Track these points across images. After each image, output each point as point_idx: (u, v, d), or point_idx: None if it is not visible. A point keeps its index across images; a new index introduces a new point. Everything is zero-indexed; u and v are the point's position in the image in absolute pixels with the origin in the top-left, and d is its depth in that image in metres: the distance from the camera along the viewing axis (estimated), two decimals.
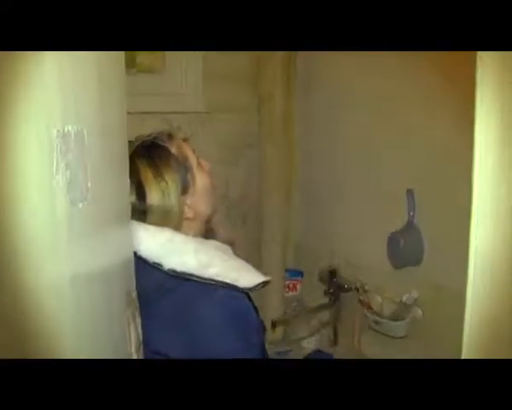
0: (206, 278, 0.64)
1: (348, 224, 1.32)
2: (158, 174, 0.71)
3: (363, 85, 1.21)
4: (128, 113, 0.51)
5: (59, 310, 0.37)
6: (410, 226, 1.11)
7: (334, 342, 1.33)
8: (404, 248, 1.10)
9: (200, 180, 0.75)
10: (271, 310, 1.37)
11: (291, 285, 1.46)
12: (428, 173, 1.08)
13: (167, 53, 1.26)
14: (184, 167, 0.73)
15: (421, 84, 1.05)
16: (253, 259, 1.38)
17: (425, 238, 1.09)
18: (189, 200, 0.73)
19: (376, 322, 1.17)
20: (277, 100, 1.38)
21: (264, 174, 1.42)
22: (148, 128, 0.77)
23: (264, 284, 0.68)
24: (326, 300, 1.31)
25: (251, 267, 0.71)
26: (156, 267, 0.65)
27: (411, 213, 1.11)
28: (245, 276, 0.67)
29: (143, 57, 1.25)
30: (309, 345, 1.35)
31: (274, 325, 1.24)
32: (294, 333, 1.38)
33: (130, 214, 0.55)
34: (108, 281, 0.45)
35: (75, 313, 0.38)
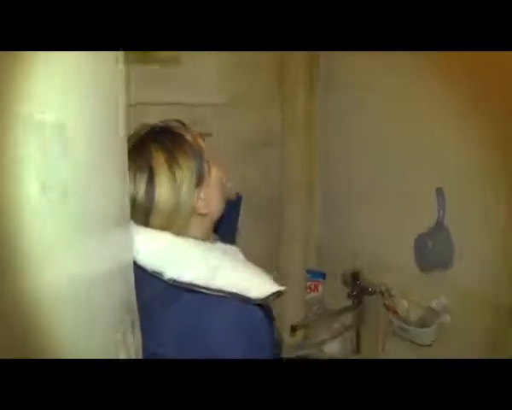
0: (213, 289, 0.58)
1: (371, 225, 1.27)
2: (171, 159, 0.64)
3: (384, 85, 1.17)
4: (139, 104, 0.50)
5: (58, 311, 0.37)
6: (439, 227, 1.06)
7: (357, 346, 1.28)
8: (433, 250, 1.04)
9: (214, 173, 0.69)
10: (292, 312, 1.35)
11: (312, 286, 1.43)
12: (452, 173, 1.02)
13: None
14: (200, 157, 0.67)
15: (444, 84, 1.00)
16: (273, 258, 1.37)
17: (455, 240, 1.04)
18: (203, 193, 0.67)
19: (402, 328, 1.12)
20: (300, 99, 1.37)
21: (286, 173, 1.40)
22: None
23: (279, 294, 0.61)
24: (349, 302, 1.27)
25: (264, 275, 0.64)
26: (155, 276, 0.59)
27: (441, 213, 1.05)
28: (257, 285, 0.61)
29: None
30: (331, 350, 1.32)
31: (294, 329, 1.21)
32: (316, 336, 1.35)
33: (129, 216, 0.53)
34: (106, 284, 0.44)
35: (74, 315, 0.38)
